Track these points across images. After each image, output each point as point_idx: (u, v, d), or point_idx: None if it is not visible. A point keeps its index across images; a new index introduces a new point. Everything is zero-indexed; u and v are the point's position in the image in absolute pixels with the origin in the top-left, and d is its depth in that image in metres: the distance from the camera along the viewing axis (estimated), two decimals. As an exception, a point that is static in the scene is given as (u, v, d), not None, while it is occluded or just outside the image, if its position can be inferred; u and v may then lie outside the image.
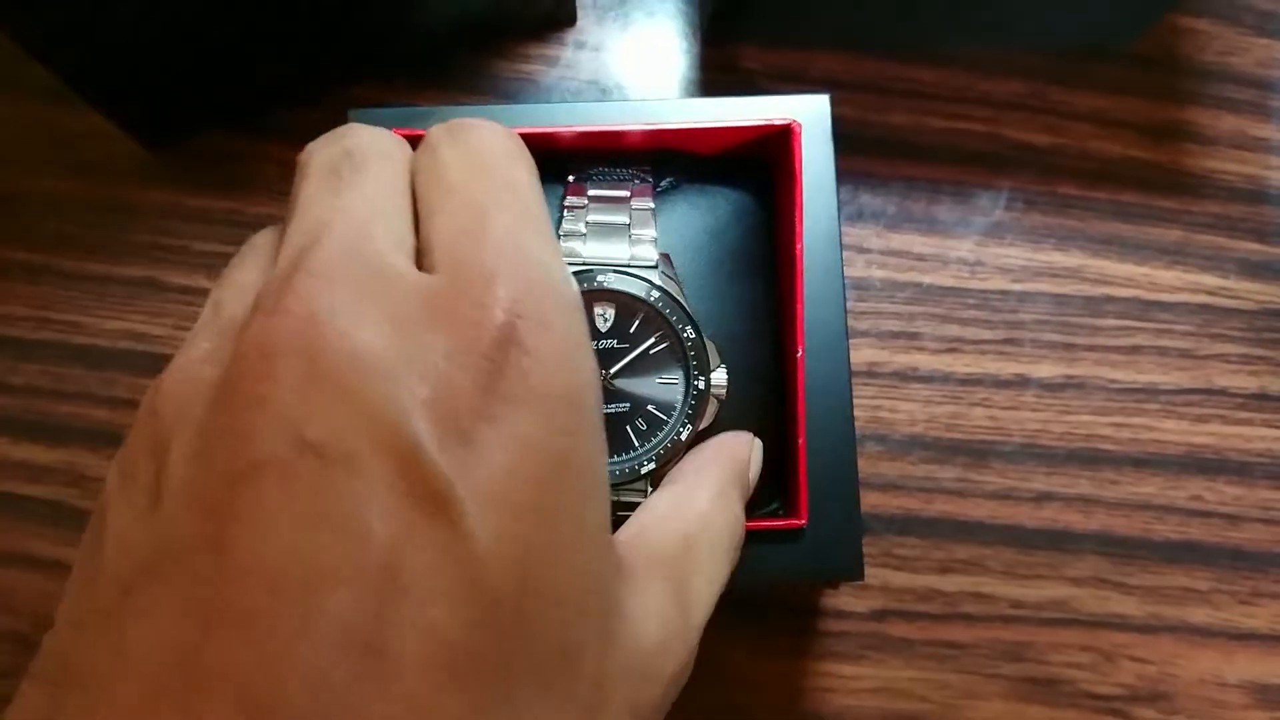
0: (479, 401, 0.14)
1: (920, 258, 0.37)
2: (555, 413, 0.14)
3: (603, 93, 0.37)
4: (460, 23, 0.36)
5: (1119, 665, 0.35)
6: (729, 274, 0.29)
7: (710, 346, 0.25)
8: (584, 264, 0.25)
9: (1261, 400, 0.37)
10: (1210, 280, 0.37)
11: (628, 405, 0.25)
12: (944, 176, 0.37)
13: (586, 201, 0.26)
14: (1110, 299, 0.37)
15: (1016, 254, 0.37)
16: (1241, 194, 0.38)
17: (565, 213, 0.26)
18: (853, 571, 0.29)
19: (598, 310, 0.25)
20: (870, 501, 0.35)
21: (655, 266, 0.25)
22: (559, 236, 0.25)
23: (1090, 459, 0.36)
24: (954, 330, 0.37)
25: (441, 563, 0.12)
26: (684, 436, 0.24)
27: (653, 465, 0.24)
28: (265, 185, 0.37)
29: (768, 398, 0.29)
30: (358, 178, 0.16)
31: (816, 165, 0.30)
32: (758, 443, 0.25)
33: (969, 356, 0.36)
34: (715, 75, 0.38)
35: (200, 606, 0.12)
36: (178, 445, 0.13)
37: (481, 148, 0.17)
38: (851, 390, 0.29)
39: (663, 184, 0.29)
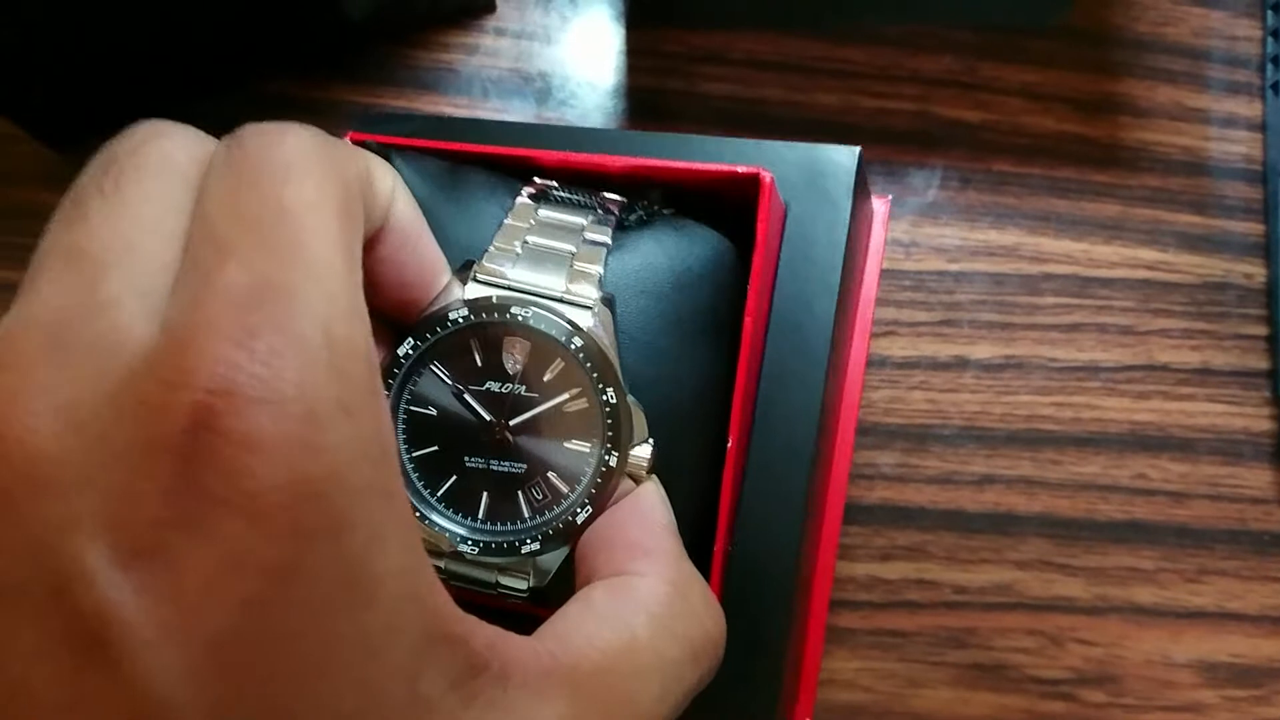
0: (167, 509, 0.11)
1: (854, 240, 0.36)
2: (277, 512, 0.11)
3: (525, 81, 0.37)
4: (377, 11, 0.35)
5: (1065, 648, 0.34)
6: (689, 333, 0.23)
7: (637, 416, 0.21)
8: (504, 289, 0.21)
9: (1204, 375, 0.36)
10: (1149, 255, 0.37)
11: (524, 467, 0.21)
12: (875, 156, 0.37)
13: (531, 223, 0.22)
14: (1048, 277, 0.36)
15: (952, 234, 0.37)
16: (1179, 166, 0.37)
17: (501, 228, 0.22)
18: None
19: (506, 351, 0.21)
20: (809, 490, 0.35)
21: (590, 308, 0.21)
22: (489, 252, 0.22)
23: (1031, 440, 0.35)
24: (890, 313, 0.36)
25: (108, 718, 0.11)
26: (580, 519, 0.20)
27: (536, 546, 0.21)
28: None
29: (710, 489, 0.23)
30: (106, 204, 0.13)
31: (826, 226, 0.25)
32: (658, 487, 0.21)
33: (905, 339, 0.36)
34: (639, 60, 0.37)
35: None
36: None
37: (254, 161, 0.13)
38: (808, 506, 0.24)
39: (630, 217, 0.24)
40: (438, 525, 0.21)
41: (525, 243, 0.22)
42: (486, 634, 0.14)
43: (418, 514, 0.21)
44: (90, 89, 0.34)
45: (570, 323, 0.21)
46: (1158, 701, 0.34)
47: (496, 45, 0.37)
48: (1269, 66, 0.38)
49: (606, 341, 0.21)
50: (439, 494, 0.21)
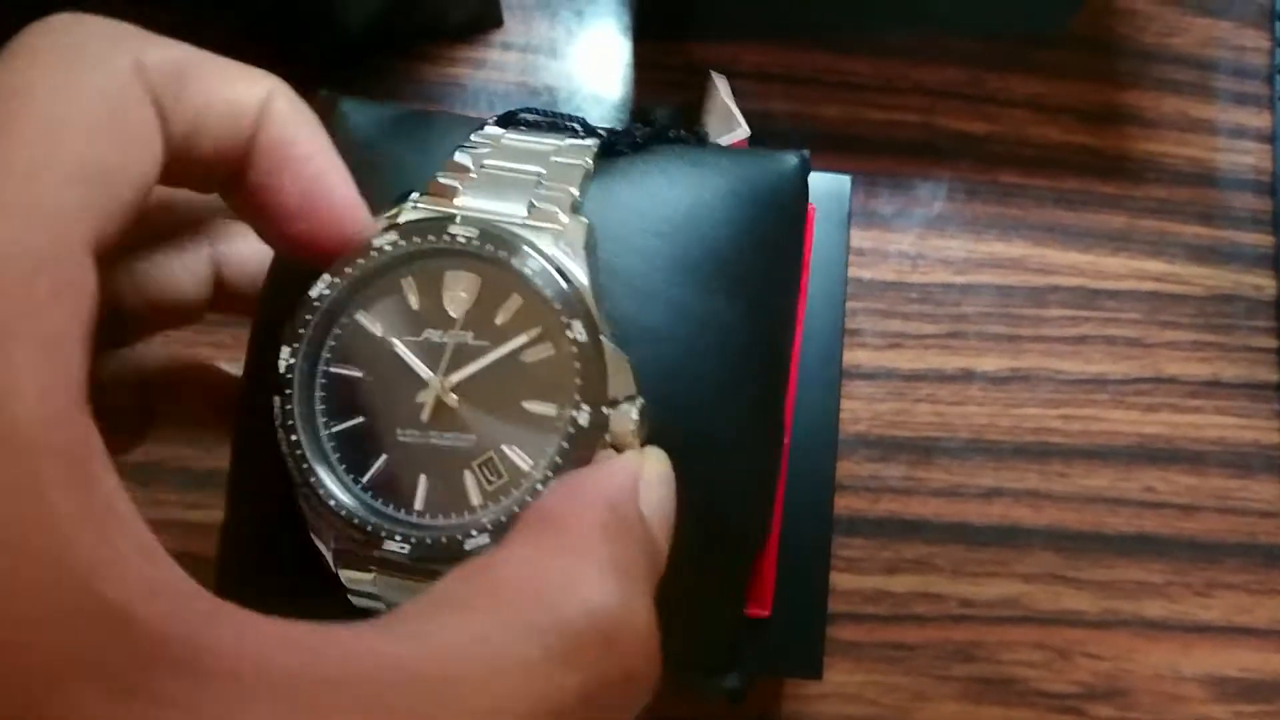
0: None
1: (860, 252, 0.36)
2: None
3: (531, 94, 0.37)
4: (383, 26, 0.35)
5: (1073, 662, 0.34)
6: (704, 283, 0.19)
7: (619, 365, 0.16)
8: (442, 212, 0.17)
9: (1213, 387, 0.36)
10: (1156, 266, 0.37)
11: (472, 439, 0.16)
12: (881, 169, 0.37)
13: (491, 147, 0.18)
14: (1055, 289, 0.36)
15: (958, 246, 0.36)
16: (1186, 177, 0.37)
17: (455, 154, 0.18)
18: (812, 668, 0.27)
19: (448, 288, 0.17)
20: (815, 503, 0.35)
21: (555, 230, 0.17)
22: (434, 178, 0.17)
23: (1039, 452, 0.35)
24: (896, 325, 0.36)
25: None
26: None
27: (484, 540, 0.15)
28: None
29: (739, 474, 0.20)
30: None
31: (826, 249, 0.28)
32: (652, 461, 0.16)
33: (912, 352, 0.36)
34: (646, 73, 0.37)
35: None
36: None
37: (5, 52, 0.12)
38: (834, 481, 0.28)
39: (624, 142, 0.20)
40: (356, 517, 0.16)
41: (482, 166, 0.17)
42: (180, 609, 0.10)
43: (332, 502, 0.16)
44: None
45: (528, 243, 0.16)
46: (1167, 716, 0.34)
47: (503, 59, 0.37)
48: (1277, 77, 0.38)
49: (577, 270, 0.16)
50: (365, 479, 0.16)
